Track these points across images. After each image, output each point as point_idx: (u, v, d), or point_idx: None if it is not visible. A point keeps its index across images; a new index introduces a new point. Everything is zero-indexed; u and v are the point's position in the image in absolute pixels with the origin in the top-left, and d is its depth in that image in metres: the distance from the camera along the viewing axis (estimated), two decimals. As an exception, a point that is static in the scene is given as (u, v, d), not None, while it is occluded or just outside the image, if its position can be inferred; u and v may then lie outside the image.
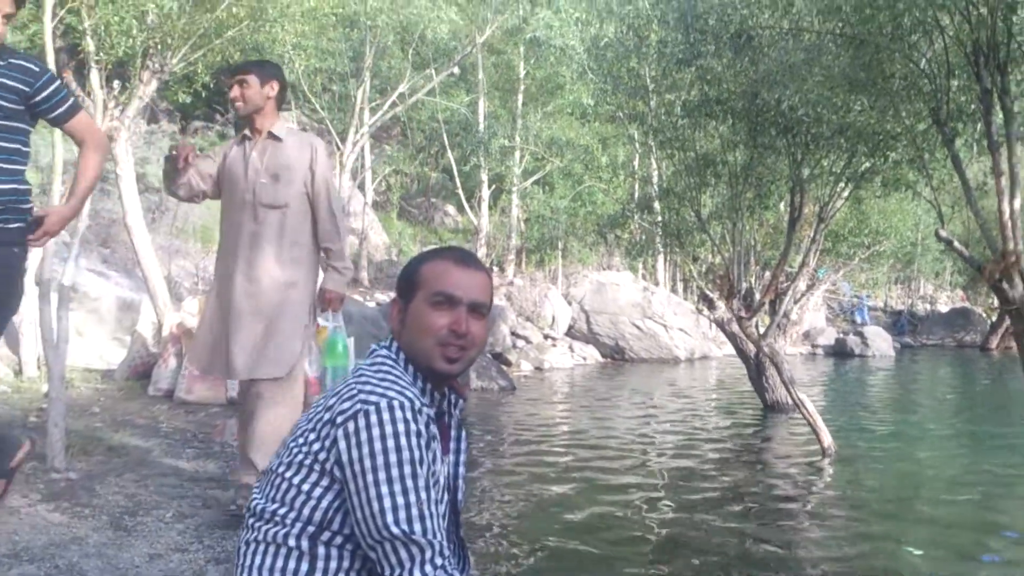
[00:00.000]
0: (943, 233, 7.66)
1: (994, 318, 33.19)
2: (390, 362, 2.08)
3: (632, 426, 13.67)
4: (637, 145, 17.30)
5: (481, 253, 28.35)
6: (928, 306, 42.20)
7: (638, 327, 25.97)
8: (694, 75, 10.86)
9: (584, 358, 24.92)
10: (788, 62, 8.88)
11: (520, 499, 8.67)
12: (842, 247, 18.22)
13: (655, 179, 17.08)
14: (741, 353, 15.42)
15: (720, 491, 9.31)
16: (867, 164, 10.37)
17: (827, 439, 11.01)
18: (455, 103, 27.46)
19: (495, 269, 29.42)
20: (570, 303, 26.51)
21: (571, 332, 26.12)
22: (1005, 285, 7.13)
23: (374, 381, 2.00)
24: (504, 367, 19.96)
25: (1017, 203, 7.37)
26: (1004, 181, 7.31)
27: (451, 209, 33.08)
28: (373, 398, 1.93)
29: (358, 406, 1.92)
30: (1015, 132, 7.53)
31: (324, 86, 24.97)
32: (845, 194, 11.77)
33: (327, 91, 25.40)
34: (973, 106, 7.96)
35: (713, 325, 17.79)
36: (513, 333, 23.12)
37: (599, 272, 28.67)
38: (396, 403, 1.92)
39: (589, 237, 27.53)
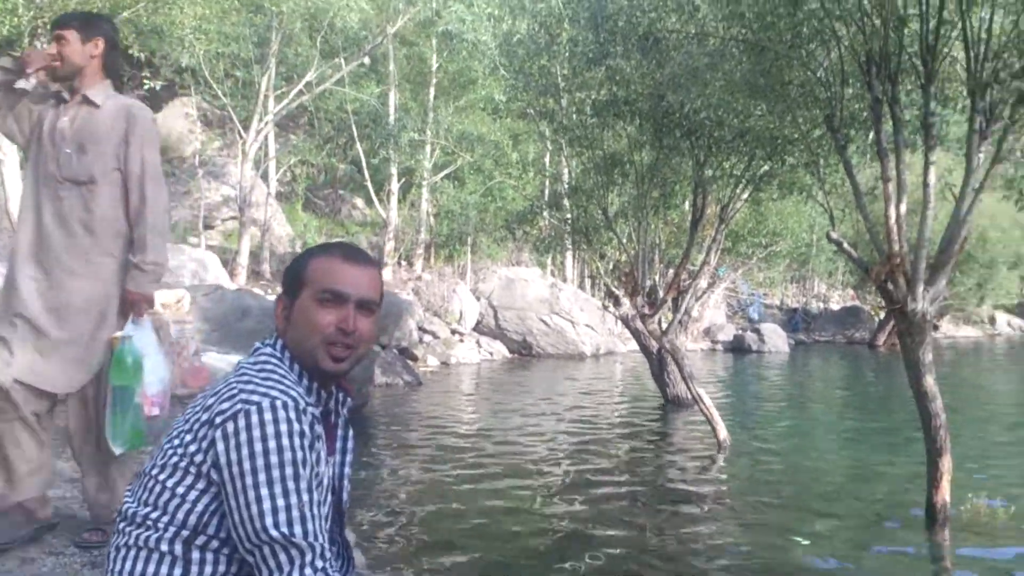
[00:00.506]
0: (834, 235, 7.93)
1: (882, 316, 34.69)
2: (274, 360, 2.03)
3: (536, 421, 13.79)
4: (548, 143, 17.42)
5: (389, 247, 28.13)
6: (821, 304, 43.80)
7: (546, 323, 26.17)
8: (603, 75, 10.97)
9: (491, 353, 25.00)
10: (692, 66, 9.06)
11: (421, 496, 8.64)
12: (742, 247, 18.75)
13: (565, 177, 17.23)
14: (644, 349, 15.72)
15: (621, 485, 9.48)
16: (765, 167, 10.68)
17: (723, 433, 11.33)
18: (365, 94, 27.12)
19: (403, 264, 29.23)
20: (478, 298, 26.53)
21: (479, 327, 26.16)
22: (890, 286, 7.43)
23: (257, 380, 1.94)
24: (410, 362, 19.87)
25: (903, 208, 7.70)
26: (892, 187, 7.62)
27: (359, 202, 32.68)
28: (255, 397, 1.87)
29: (239, 406, 1.86)
30: (903, 140, 7.86)
31: (227, 72, 24.28)
32: (745, 196, 12.09)
33: (230, 77, 24.71)
34: (865, 114, 8.27)
35: (618, 321, 18.06)
36: (420, 328, 23.03)
37: (508, 268, 28.78)
38: (279, 403, 1.87)
39: (498, 233, 27.59)
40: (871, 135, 8.37)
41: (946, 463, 7.46)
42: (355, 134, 27.49)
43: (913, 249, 7.58)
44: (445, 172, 28.74)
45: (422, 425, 13.14)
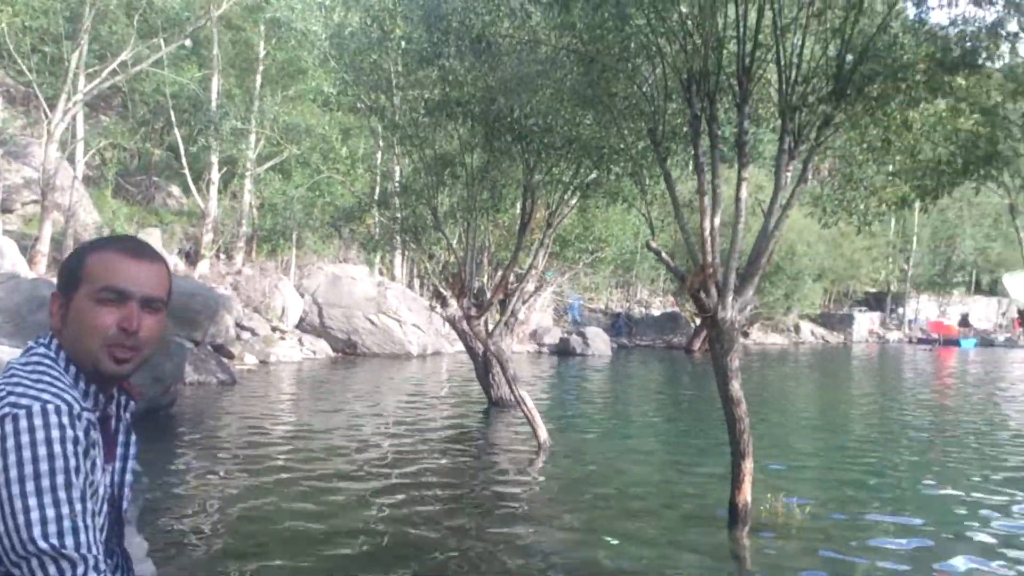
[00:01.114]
0: (653, 245, 8.21)
1: (697, 323, 36.54)
2: (48, 361, 1.84)
3: (359, 421, 13.55)
4: (379, 139, 17.20)
5: (208, 239, 26.93)
6: (643, 310, 45.67)
7: (372, 322, 25.83)
8: (437, 75, 10.91)
9: (314, 352, 24.41)
10: (523, 72, 9.14)
11: (228, 501, 8.27)
12: (568, 252, 19.21)
13: (396, 175, 17.05)
14: (470, 350, 15.79)
15: (441, 486, 9.43)
16: (593, 175, 10.94)
17: (543, 435, 11.52)
18: (185, 77, 25.86)
19: (222, 257, 28.06)
20: (302, 295, 25.86)
21: (302, 325, 25.50)
22: (703, 294, 7.76)
23: (27, 382, 1.76)
24: (226, 360, 19.08)
25: (717, 221, 8.07)
26: (707, 200, 7.96)
27: (175, 190, 31.11)
28: (25, 401, 1.70)
29: (7, 409, 1.68)
30: (719, 156, 8.24)
31: (34, 46, 22.53)
32: (572, 202, 12.35)
33: (37, 52, 22.95)
34: (685, 129, 8.61)
35: (446, 322, 18.06)
36: (239, 325, 22.16)
37: (334, 265, 28.22)
38: (51, 407, 1.70)
39: (324, 229, 27.01)
40: (691, 149, 8.70)
41: (748, 465, 7.85)
42: (173, 119, 26.19)
43: (725, 260, 7.96)
44: (270, 164, 27.85)
45: (235, 426, 12.63)
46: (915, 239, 53.15)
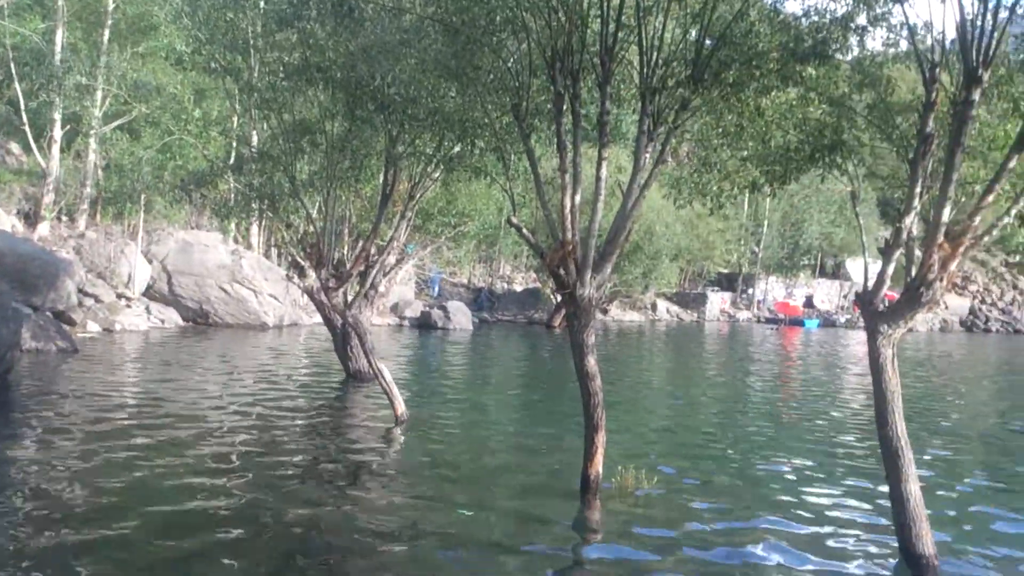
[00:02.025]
0: (514, 220, 8.21)
1: (558, 298, 37.11)
2: None
3: (209, 393, 13.04)
4: (235, 102, 16.48)
5: (48, 200, 25.30)
6: (506, 285, 46.00)
7: (226, 291, 24.95)
8: (297, 38, 10.52)
9: (163, 320, 23.37)
10: (386, 40, 8.92)
11: (65, 474, 7.80)
12: (431, 225, 19.06)
13: (253, 140, 16.39)
14: (328, 322, 15.46)
15: (296, 460, 9.20)
16: (456, 149, 10.84)
17: (401, 407, 11.42)
18: (27, 29, 24.07)
19: (64, 219, 26.43)
20: (151, 261, 24.68)
21: (149, 292, 24.35)
22: (562, 271, 7.83)
23: None
24: (67, 327, 18.04)
25: (578, 199, 8.14)
26: (568, 178, 8.02)
27: (15, 147, 29.05)
28: None
29: None
30: (581, 135, 8.30)
31: None
32: (436, 175, 12.22)
33: None
34: (549, 106, 8.62)
35: (304, 293, 17.61)
36: (81, 291, 20.93)
37: (186, 231, 27.06)
38: None
39: (174, 193, 25.84)
40: (554, 127, 8.72)
41: (601, 437, 8.02)
42: (14, 72, 24.39)
43: (584, 238, 8.05)
44: (117, 123, 26.37)
45: (74, 395, 11.93)
46: (766, 223, 55.61)
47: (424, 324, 30.86)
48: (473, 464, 9.55)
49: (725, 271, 57.44)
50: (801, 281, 60.35)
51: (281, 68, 11.27)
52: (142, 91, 24.08)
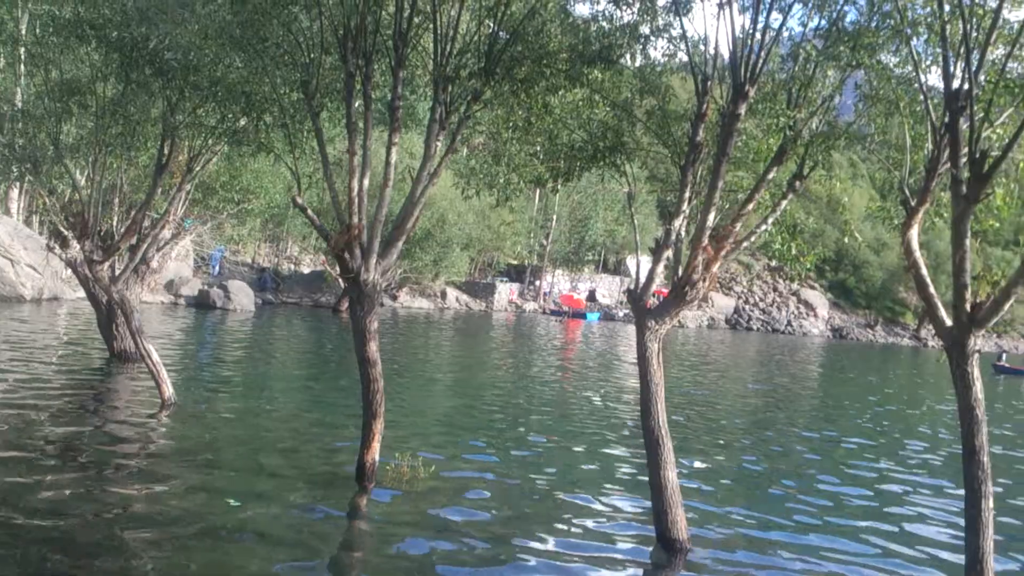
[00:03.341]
0: (299, 200, 7.96)
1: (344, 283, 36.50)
2: None
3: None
4: (-2, 54, 14.98)
5: None
6: (293, 266, 44.73)
7: (-24, 259, 22.67)
8: (69, -9, 9.69)
9: (-102, 290, 20.91)
10: (164, 1, 8.38)
11: None
12: (212, 200, 18.16)
13: (17, 98, 14.94)
14: (92, 298, 14.38)
15: (52, 445, 8.48)
16: (242, 122, 10.37)
17: (168, 391, 10.83)
18: None
19: None
20: None
21: None
22: (347, 255, 7.69)
23: None
24: None
25: (366, 183, 8.01)
26: (356, 161, 7.88)
27: None
28: None
29: None
30: (372, 118, 8.18)
31: None
32: (218, 148, 11.64)
33: None
34: (340, 86, 8.43)
35: (67, 266, 16.27)
36: None
37: (-69, 190, 24.33)
38: None
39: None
40: (344, 107, 8.54)
41: (379, 425, 7.96)
42: None
43: (371, 223, 7.94)
44: None
45: None
46: (555, 218, 57.44)
47: (202, 303, 29.47)
48: (245, 451, 9.20)
49: (515, 263, 58.86)
50: (585, 276, 62.90)
51: (51, 22, 10.32)
52: None
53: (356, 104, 7.98)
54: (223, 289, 30.26)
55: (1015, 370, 38.52)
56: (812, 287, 71.61)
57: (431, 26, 7.93)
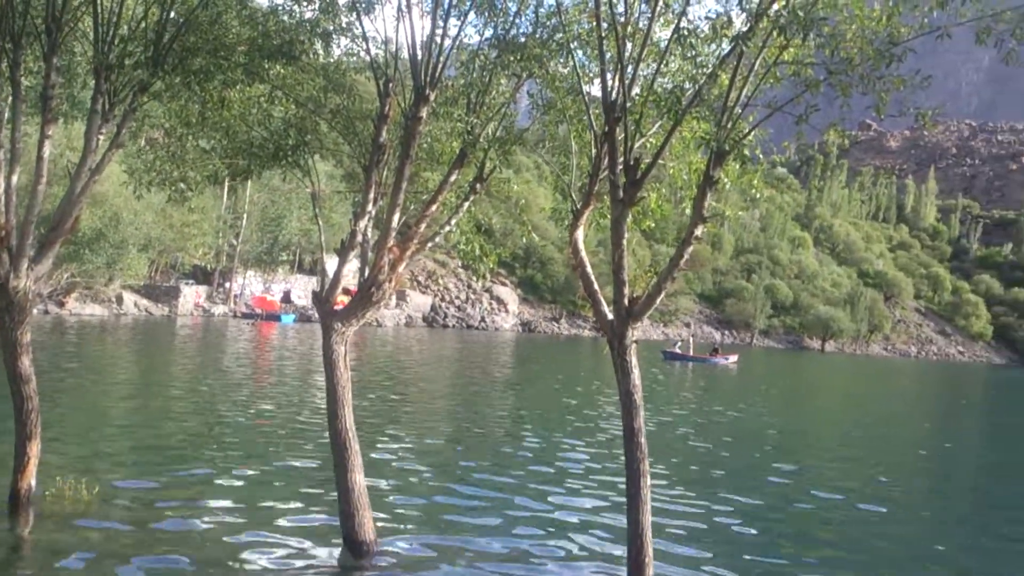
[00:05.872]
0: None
1: None
2: None
3: None
4: None
5: None
6: None
7: None
8: None
9: None
10: None
11: None
12: None
13: None
14: None
15: None
16: None
17: None
18: None
19: None
20: None
21: None
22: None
23: None
24: None
25: (15, 179, 7.20)
26: (4, 154, 7.07)
27: None
28: None
29: None
30: (22, 108, 7.36)
31: None
32: None
33: None
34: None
35: None
36: None
37: None
38: None
39: None
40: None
41: (35, 447, 7.20)
42: None
43: (22, 224, 7.14)
44: None
45: None
46: (245, 216, 55.07)
47: None
48: None
49: (201, 264, 55.79)
50: (280, 276, 61.12)
51: None
52: None
53: (4, 92, 7.16)
54: None
55: (683, 356, 43.21)
56: (504, 284, 75.05)
57: (91, 9, 7.29)
